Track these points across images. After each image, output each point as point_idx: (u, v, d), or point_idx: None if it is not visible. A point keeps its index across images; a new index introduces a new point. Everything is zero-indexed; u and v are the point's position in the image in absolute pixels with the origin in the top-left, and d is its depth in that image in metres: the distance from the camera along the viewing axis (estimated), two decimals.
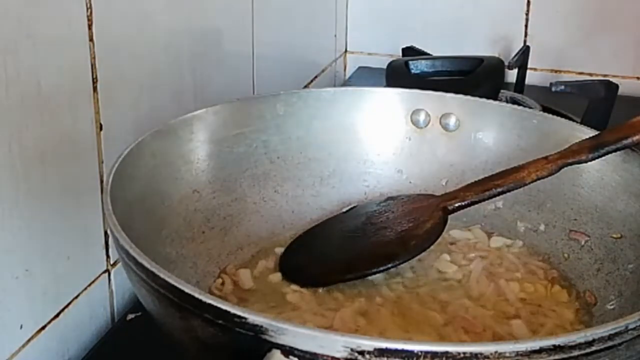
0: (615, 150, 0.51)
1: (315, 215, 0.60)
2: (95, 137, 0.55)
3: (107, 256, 0.58)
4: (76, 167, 0.53)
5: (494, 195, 0.53)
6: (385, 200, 0.58)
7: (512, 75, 0.98)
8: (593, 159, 0.51)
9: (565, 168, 0.52)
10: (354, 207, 0.59)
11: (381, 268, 0.52)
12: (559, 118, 0.59)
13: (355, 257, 0.54)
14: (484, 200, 0.53)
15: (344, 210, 0.59)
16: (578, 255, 0.54)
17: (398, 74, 0.89)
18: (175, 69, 0.66)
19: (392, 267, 0.52)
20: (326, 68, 1.09)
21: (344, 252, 0.55)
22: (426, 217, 0.54)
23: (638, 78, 1.07)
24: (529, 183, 0.52)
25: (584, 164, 0.53)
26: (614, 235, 0.52)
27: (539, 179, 0.52)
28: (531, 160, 0.52)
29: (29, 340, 0.50)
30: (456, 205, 0.53)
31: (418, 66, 0.91)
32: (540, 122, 0.58)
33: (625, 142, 0.51)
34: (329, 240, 0.57)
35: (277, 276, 0.53)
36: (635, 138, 0.50)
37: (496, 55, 1.02)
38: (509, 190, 0.53)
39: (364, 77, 1.13)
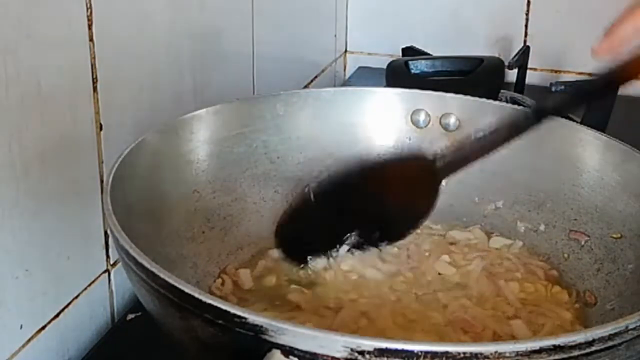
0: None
1: None
2: (95, 137, 0.55)
3: (107, 256, 0.58)
4: (76, 167, 0.53)
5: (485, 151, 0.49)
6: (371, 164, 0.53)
7: (512, 75, 0.98)
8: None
9: (565, 168, 0.51)
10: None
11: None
12: (559, 118, 0.58)
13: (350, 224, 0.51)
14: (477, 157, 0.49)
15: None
16: (578, 255, 0.54)
17: (398, 74, 0.89)
18: (175, 69, 0.66)
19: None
20: (326, 68, 1.09)
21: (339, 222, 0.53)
22: (420, 186, 0.51)
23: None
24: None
25: (584, 164, 0.52)
26: (614, 235, 0.52)
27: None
28: None
29: (29, 340, 0.50)
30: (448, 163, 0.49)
31: (418, 66, 0.91)
32: None
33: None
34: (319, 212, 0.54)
35: (276, 277, 0.53)
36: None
37: (496, 55, 1.01)
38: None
39: (364, 77, 1.13)
